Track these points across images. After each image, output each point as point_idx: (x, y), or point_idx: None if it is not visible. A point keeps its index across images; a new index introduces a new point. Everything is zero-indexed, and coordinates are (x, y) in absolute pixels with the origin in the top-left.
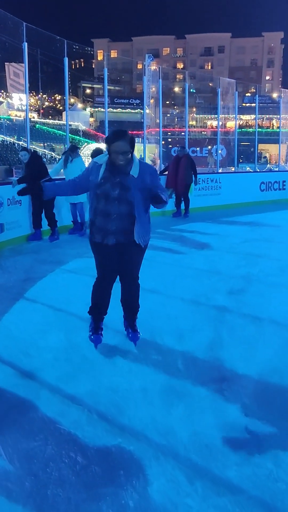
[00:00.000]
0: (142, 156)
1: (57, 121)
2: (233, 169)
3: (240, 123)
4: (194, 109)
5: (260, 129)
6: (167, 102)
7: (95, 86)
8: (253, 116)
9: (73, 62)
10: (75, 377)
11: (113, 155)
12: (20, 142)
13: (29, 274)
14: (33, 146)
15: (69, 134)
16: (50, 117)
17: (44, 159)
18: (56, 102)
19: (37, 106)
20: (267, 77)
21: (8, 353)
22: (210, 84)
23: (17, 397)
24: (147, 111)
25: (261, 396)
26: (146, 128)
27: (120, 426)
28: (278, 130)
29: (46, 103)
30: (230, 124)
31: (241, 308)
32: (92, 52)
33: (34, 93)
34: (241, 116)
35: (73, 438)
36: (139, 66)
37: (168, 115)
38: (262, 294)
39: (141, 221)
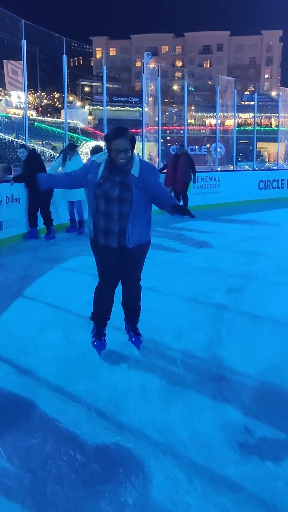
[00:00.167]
0: (141, 155)
1: (55, 119)
2: (232, 167)
3: (239, 122)
4: (193, 107)
5: (258, 128)
6: (166, 100)
7: (93, 84)
8: (251, 115)
9: (71, 60)
10: (74, 375)
11: (113, 153)
12: (19, 140)
13: (28, 272)
14: (32, 144)
15: (68, 132)
16: (48, 115)
17: (43, 157)
18: (55, 100)
19: (36, 104)
20: (266, 75)
21: (7, 351)
22: (209, 82)
23: (15, 395)
24: (146, 109)
25: (260, 394)
26: (145, 126)
27: (119, 424)
28: (276, 128)
29: (45, 101)
30: (229, 123)
31: (239, 306)
32: (90, 50)
33: (32, 91)
34: (240, 115)
35: (72, 435)
36: (138, 64)
37: (167, 113)
38: (260, 292)
39: (135, 222)
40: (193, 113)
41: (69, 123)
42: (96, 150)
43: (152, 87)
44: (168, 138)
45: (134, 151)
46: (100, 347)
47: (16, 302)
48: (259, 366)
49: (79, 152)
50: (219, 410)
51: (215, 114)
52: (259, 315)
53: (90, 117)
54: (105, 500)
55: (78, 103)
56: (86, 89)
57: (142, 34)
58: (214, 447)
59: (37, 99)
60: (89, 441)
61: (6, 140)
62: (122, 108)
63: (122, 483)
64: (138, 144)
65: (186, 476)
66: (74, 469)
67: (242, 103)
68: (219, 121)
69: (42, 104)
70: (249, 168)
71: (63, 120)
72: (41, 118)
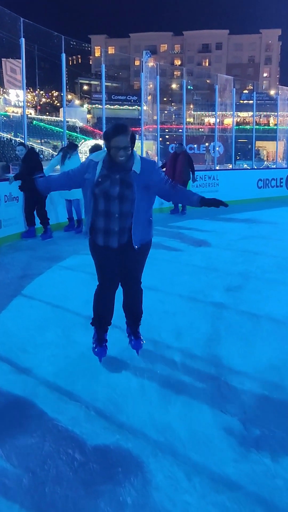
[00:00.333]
0: (139, 153)
1: (54, 118)
2: (231, 166)
3: (238, 120)
4: (192, 106)
5: (257, 126)
6: (165, 99)
7: (92, 82)
8: (250, 113)
9: (70, 58)
10: (73, 374)
11: (113, 151)
12: (17, 139)
13: (26, 270)
14: (30, 143)
15: (67, 131)
16: (47, 113)
17: (41, 156)
18: (53, 98)
19: (34, 103)
20: (265, 74)
21: (6, 350)
22: (208, 81)
23: (14, 394)
24: (145, 107)
25: (259, 393)
26: (144, 124)
27: (118, 423)
28: (275, 127)
29: (43, 100)
30: (228, 121)
31: (238, 305)
32: (89, 49)
33: (31, 89)
34: (239, 113)
35: (71, 435)
36: (137, 63)
37: (166, 112)
38: (259, 291)
39: (138, 221)
40: (192, 112)
41: (67, 121)
42: (95, 149)
43: (151, 85)
44: (167, 136)
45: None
46: (101, 353)
47: (14, 300)
48: (258, 364)
49: (78, 151)
50: (218, 409)
51: (214, 112)
52: (258, 313)
53: (88, 116)
54: (104, 500)
55: (77, 102)
56: (85, 87)
57: (141, 32)
58: (213, 446)
59: (35, 98)
60: (88, 440)
61: (5, 139)
62: (121, 107)
63: (121, 482)
64: (137, 143)
65: (185, 475)
66: (73, 469)
67: (241, 101)
68: (218, 120)
69: (41, 103)
70: (248, 167)
71: (62, 119)
72: (39, 116)
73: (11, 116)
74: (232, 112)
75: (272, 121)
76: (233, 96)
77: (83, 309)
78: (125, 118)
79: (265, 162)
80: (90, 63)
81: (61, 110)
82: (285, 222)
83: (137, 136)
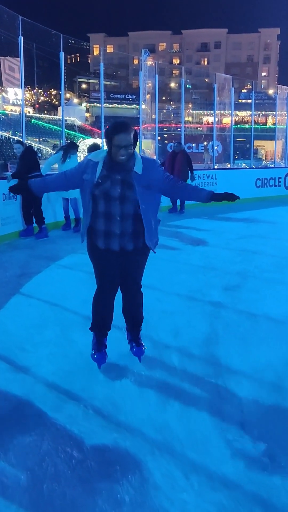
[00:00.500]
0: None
1: (52, 116)
2: (229, 165)
3: (236, 119)
4: (190, 105)
5: (256, 126)
6: (163, 98)
7: (91, 81)
8: (249, 113)
9: (68, 56)
10: (71, 372)
11: (114, 149)
12: (16, 137)
13: (25, 269)
14: (29, 141)
15: (65, 130)
16: (45, 112)
17: (40, 154)
18: (52, 97)
19: (33, 101)
20: (263, 73)
21: (4, 348)
22: (206, 80)
23: (12, 392)
24: (143, 106)
25: (256, 392)
26: (142, 123)
27: (116, 422)
28: (274, 126)
29: (42, 98)
30: (226, 120)
31: (236, 304)
32: (88, 47)
33: (29, 88)
34: (237, 112)
35: (68, 433)
36: (135, 61)
37: (164, 110)
38: (257, 290)
39: (149, 222)
40: (191, 111)
41: (66, 120)
42: (93, 148)
43: (150, 84)
44: (166, 135)
45: None
46: (100, 360)
47: (13, 299)
48: (255, 364)
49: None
50: (215, 407)
51: (213, 112)
52: (256, 313)
53: (87, 114)
54: (102, 498)
55: (75, 100)
56: (83, 86)
57: (139, 31)
58: (210, 444)
59: (34, 96)
60: (86, 439)
61: (3, 137)
62: (120, 106)
63: (119, 480)
64: None
65: (183, 473)
66: (71, 467)
67: (240, 101)
68: (216, 119)
69: (39, 101)
70: (246, 166)
71: (60, 117)
72: (38, 115)
73: (10, 115)
74: (230, 111)
75: (270, 120)
76: (232, 95)
77: (81, 308)
78: (123, 117)
79: (264, 161)
80: (89, 61)
81: (60, 108)
82: (283, 222)
83: None
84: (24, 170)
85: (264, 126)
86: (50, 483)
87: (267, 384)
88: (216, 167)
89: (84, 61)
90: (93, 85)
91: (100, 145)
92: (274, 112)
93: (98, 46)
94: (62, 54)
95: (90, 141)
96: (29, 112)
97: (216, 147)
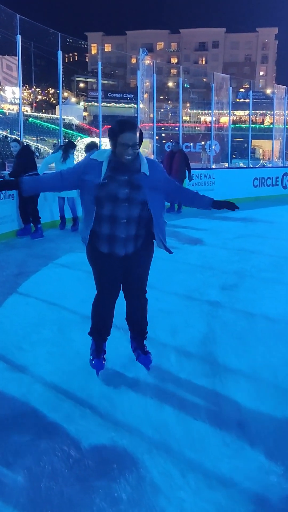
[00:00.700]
0: None
1: (50, 115)
2: (227, 165)
3: (234, 119)
4: (188, 104)
5: (253, 125)
6: (161, 97)
7: (88, 80)
8: (246, 112)
9: (66, 55)
10: (68, 371)
11: (119, 149)
12: (13, 136)
13: (22, 268)
14: (26, 140)
15: (63, 128)
16: (43, 110)
17: (37, 153)
18: (50, 95)
19: (30, 100)
20: (261, 73)
21: (1, 348)
22: (204, 79)
23: (10, 391)
24: (141, 105)
25: (253, 390)
26: (140, 123)
27: (113, 420)
28: (271, 126)
29: (39, 97)
30: (224, 120)
31: (234, 303)
32: (85, 46)
33: (27, 87)
34: (235, 112)
35: (66, 432)
36: (133, 61)
37: (162, 110)
38: (255, 289)
39: (159, 225)
40: (188, 110)
41: (64, 119)
42: (91, 146)
43: (148, 83)
44: (163, 135)
45: None
46: (99, 366)
47: (10, 298)
48: (252, 362)
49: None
50: (213, 406)
51: (210, 111)
52: (253, 312)
53: (85, 113)
54: (99, 496)
55: (73, 99)
56: (81, 85)
57: (137, 30)
58: (207, 443)
59: (31, 95)
60: (84, 437)
61: (1, 136)
62: (117, 105)
63: (116, 478)
64: None
65: (180, 471)
66: (68, 465)
67: (237, 100)
68: (214, 119)
69: (37, 100)
70: (244, 166)
71: (58, 116)
72: (35, 114)
73: (7, 114)
74: (228, 111)
75: (268, 120)
76: (230, 95)
77: (79, 307)
78: (121, 116)
79: (261, 161)
80: (87, 60)
81: (57, 107)
82: (281, 221)
83: None
84: (21, 169)
85: (262, 126)
86: (47, 481)
87: (264, 383)
88: (213, 166)
89: (82, 60)
90: (91, 84)
91: (98, 143)
92: (272, 112)
93: (96, 45)
94: (60, 53)
95: (87, 140)
96: (26, 111)
97: (213, 147)
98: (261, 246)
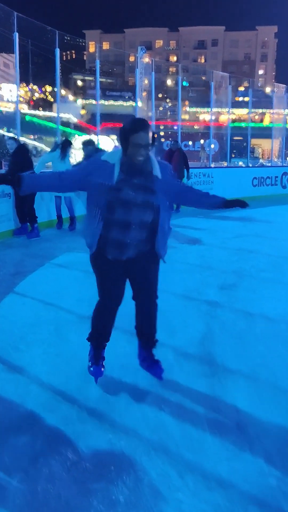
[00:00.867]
0: None
1: (47, 113)
2: (226, 164)
3: (233, 118)
4: (187, 103)
5: (253, 124)
6: (160, 95)
7: (86, 78)
8: (246, 111)
9: (64, 53)
10: (65, 372)
11: (131, 149)
12: (10, 134)
13: (19, 268)
14: (23, 138)
15: (60, 126)
16: (40, 109)
17: (34, 152)
18: (47, 93)
19: (27, 98)
20: (261, 72)
21: None
22: (203, 78)
23: (6, 392)
24: (139, 104)
25: (252, 391)
26: None
27: (110, 422)
28: (271, 125)
29: (37, 95)
30: (223, 119)
31: (232, 303)
32: (83, 44)
33: (24, 84)
34: (234, 111)
35: (63, 434)
36: (132, 59)
37: (161, 108)
38: (253, 289)
39: (163, 231)
40: (187, 109)
41: (61, 117)
42: (88, 143)
43: (146, 82)
44: (162, 133)
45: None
46: (97, 373)
47: (7, 298)
48: (251, 362)
49: (72, 147)
50: (211, 406)
51: (209, 110)
52: (252, 312)
53: (83, 111)
54: (97, 498)
55: (71, 97)
56: (79, 83)
57: (136, 28)
58: (206, 444)
59: (29, 93)
60: (81, 439)
61: None
62: (115, 103)
63: (114, 481)
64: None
65: (178, 473)
66: (65, 468)
67: (237, 99)
68: (213, 117)
69: (34, 98)
70: (243, 165)
71: (55, 114)
72: (33, 112)
73: (4, 112)
74: (227, 109)
75: (267, 118)
76: (229, 93)
77: (76, 307)
78: (119, 114)
79: (260, 160)
80: (85, 58)
81: (55, 105)
82: (280, 221)
83: None
84: (17, 168)
85: (261, 125)
86: (44, 483)
87: (263, 383)
88: (212, 165)
89: (79, 58)
90: (89, 82)
91: (96, 141)
92: (271, 111)
93: (94, 43)
94: (57, 50)
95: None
96: (23, 109)
97: (212, 146)
98: (260, 246)
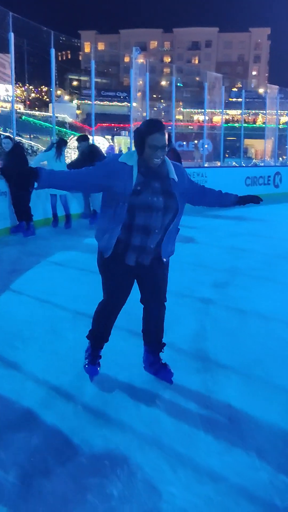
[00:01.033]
0: (125, 150)
1: (43, 113)
2: (219, 163)
3: (226, 118)
4: (181, 103)
5: (246, 124)
6: (154, 96)
7: (82, 78)
8: (239, 111)
9: (59, 53)
10: (60, 369)
11: (148, 151)
12: (6, 133)
13: (15, 265)
14: (19, 138)
15: (56, 126)
16: (36, 108)
17: (30, 151)
18: (43, 93)
19: (23, 98)
20: (254, 73)
21: None
22: (197, 79)
23: (2, 389)
24: (134, 104)
25: (244, 387)
26: (133, 121)
27: (105, 418)
28: (263, 125)
29: (32, 95)
30: (217, 119)
31: (226, 301)
32: (79, 44)
33: (20, 84)
34: (227, 111)
35: (58, 429)
36: (126, 59)
37: (155, 108)
38: (246, 287)
39: (171, 233)
40: (181, 109)
41: (57, 117)
42: (83, 138)
43: (141, 82)
44: None
45: (122, 146)
46: (93, 372)
47: (3, 295)
48: (243, 359)
49: (68, 147)
50: (204, 402)
51: (203, 110)
52: (244, 309)
53: (78, 112)
54: (92, 492)
55: (66, 97)
56: (74, 83)
57: (130, 29)
58: (198, 439)
59: (24, 93)
60: (76, 434)
61: None
62: (111, 103)
63: (108, 475)
64: (126, 140)
65: (171, 467)
66: (60, 462)
67: (230, 99)
68: (207, 118)
69: (30, 98)
70: (236, 165)
71: (51, 114)
72: (28, 111)
73: (0, 111)
74: (221, 110)
75: (260, 119)
76: (222, 94)
77: (71, 305)
78: (114, 115)
79: (253, 160)
80: (80, 58)
81: (50, 105)
82: (273, 220)
83: (126, 133)
84: (12, 166)
85: (254, 125)
86: (39, 478)
87: (255, 379)
88: (206, 165)
89: (75, 58)
90: (84, 82)
91: (90, 138)
92: (264, 111)
93: (89, 43)
94: (53, 51)
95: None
96: (19, 109)
97: (206, 146)
98: (253, 244)
